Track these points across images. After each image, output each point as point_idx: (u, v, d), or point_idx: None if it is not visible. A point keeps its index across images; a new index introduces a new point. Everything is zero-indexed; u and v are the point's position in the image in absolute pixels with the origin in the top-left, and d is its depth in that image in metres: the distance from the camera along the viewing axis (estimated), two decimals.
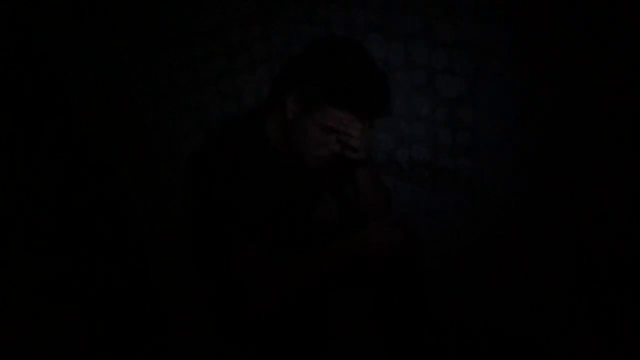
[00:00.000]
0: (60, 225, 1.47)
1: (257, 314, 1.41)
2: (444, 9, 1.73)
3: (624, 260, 1.62)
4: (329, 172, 1.55)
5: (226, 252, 1.38)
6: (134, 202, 1.69)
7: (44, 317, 1.42)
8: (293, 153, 1.42)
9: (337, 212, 1.78)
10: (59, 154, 1.47)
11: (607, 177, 1.60)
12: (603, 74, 1.53)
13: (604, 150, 1.59)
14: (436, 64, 1.82)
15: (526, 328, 1.72)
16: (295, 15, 2.04)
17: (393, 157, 2.05)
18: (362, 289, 1.57)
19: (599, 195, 1.62)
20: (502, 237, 1.86)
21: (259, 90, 2.11)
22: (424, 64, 1.85)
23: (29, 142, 1.40)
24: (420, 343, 1.58)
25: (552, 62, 1.60)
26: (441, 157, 1.95)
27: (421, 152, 1.99)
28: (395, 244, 1.40)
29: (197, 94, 1.89)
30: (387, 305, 1.56)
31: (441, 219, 2.00)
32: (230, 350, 1.52)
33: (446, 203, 1.98)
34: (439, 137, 1.92)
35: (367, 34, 1.90)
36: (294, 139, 1.39)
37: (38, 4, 1.40)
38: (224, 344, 1.54)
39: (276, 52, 2.13)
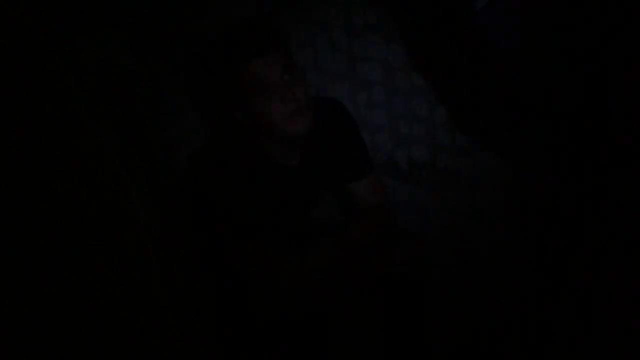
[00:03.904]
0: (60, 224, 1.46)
1: (259, 306, 1.43)
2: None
3: (625, 261, 1.63)
4: (324, 173, 1.56)
5: (224, 249, 1.40)
6: (134, 202, 1.68)
7: None
8: (273, 137, 1.43)
9: (337, 211, 1.79)
10: (56, 156, 1.47)
11: (606, 176, 1.60)
12: (600, 75, 1.53)
13: (605, 150, 1.60)
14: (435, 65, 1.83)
15: (526, 328, 1.72)
16: (295, 16, 2.04)
17: (392, 158, 2.05)
18: (363, 294, 1.59)
19: (600, 195, 1.63)
20: (502, 237, 1.87)
21: None
22: (423, 65, 1.85)
23: (27, 144, 1.40)
24: (420, 345, 1.59)
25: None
26: (440, 157, 1.95)
27: (420, 153, 1.99)
28: (410, 263, 1.50)
29: None
30: (389, 310, 1.57)
31: (440, 220, 2.00)
32: (231, 352, 1.51)
33: (446, 203, 1.98)
34: (438, 138, 1.93)
35: (367, 35, 1.90)
36: (258, 124, 1.42)
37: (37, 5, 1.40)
38: (224, 345, 1.54)
39: None
